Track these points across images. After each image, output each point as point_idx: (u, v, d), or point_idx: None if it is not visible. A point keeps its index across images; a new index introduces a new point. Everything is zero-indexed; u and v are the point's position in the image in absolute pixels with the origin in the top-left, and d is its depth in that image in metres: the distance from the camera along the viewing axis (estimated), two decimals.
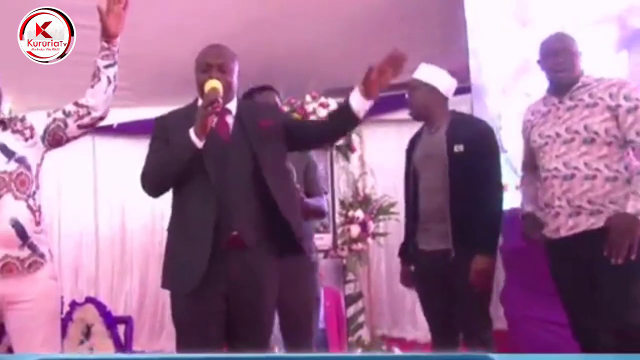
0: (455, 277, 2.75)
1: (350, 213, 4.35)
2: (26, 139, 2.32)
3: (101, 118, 2.41)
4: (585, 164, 2.53)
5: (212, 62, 2.33)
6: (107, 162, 5.17)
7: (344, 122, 2.38)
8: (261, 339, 2.37)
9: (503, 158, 4.08)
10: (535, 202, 2.76)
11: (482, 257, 2.71)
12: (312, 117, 4.49)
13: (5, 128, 2.32)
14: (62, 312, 2.85)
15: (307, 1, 4.08)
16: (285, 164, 2.48)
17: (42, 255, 2.30)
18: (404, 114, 3.19)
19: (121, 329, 3.56)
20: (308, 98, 4.67)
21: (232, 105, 2.39)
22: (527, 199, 2.81)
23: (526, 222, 2.76)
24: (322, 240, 3.22)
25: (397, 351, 4.25)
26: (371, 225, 4.22)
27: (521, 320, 3.98)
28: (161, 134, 2.39)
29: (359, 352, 4.12)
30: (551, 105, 2.69)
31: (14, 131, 2.32)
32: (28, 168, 2.29)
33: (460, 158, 2.77)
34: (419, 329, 3.11)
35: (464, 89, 4.33)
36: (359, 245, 4.33)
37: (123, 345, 3.50)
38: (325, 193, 3.27)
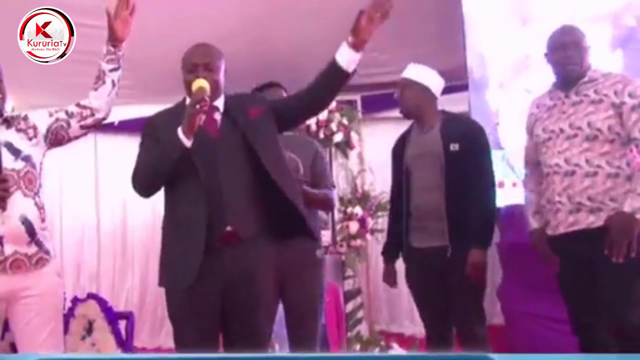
0: (450, 272, 2.79)
1: (349, 210, 4.38)
2: (30, 138, 2.35)
3: (103, 119, 2.45)
4: (587, 161, 2.52)
5: (198, 62, 2.34)
6: (109, 159, 5.18)
7: (333, 79, 2.33)
8: (256, 335, 2.36)
9: (500, 155, 4.14)
10: (540, 213, 2.70)
11: (477, 251, 2.76)
12: None
13: (9, 126, 2.34)
14: (64, 308, 2.88)
15: None
16: (280, 149, 2.46)
17: (47, 252, 2.33)
18: None
19: (122, 324, 3.59)
20: None
21: (220, 103, 2.40)
22: (531, 209, 2.76)
23: (534, 239, 2.72)
24: (322, 237, 3.22)
25: (395, 346, 4.28)
26: (370, 222, 4.24)
27: (518, 315, 4.01)
28: (151, 133, 2.40)
29: (357, 347, 4.14)
30: (557, 100, 2.67)
31: (18, 130, 2.34)
32: (33, 166, 2.32)
33: (455, 156, 2.81)
34: (417, 324, 3.13)
35: (461, 86, 4.37)
36: (358, 242, 4.35)
37: (124, 341, 3.53)
38: (334, 187, 3.21)
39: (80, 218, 5.30)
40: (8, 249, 2.23)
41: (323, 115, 4.44)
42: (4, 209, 2.20)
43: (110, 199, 5.21)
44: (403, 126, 3.18)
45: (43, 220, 2.33)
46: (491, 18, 4.35)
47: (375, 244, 4.52)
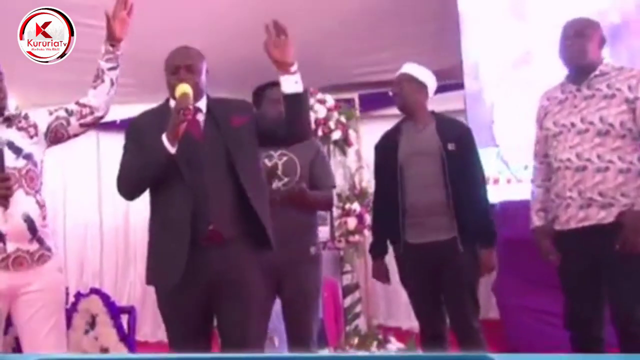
0: (448, 265, 2.84)
1: (347, 206, 4.40)
2: (31, 137, 2.39)
3: (102, 117, 2.50)
4: (598, 156, 2.49)
5: (180, 64, 2.36)
6: (111, 157, 5.22)
7: (293, 106, 2.36)
8: (248, 331, 2.38)
9: (495, 152, 4.18)
10: (545, 210, 2.70)
11: (486, 251, 2.85)
12: (310, 114, 4.54)
13: (10, 125, 2.38)
14: (67, 303, 2.93)
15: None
16: (258, 160, 2.51)
17: (48, 249, 2.37)
18: None
19: (125, 318, 3.62)
20: None
21: (202, 104, 2.42)
22: (535, 206, 2.74)
23: (536, 237, 2.71)
24: (320, 233, 3.25)
25: (393, 340, 4.32)
26: (367, 218, 4.26)
27: (513, 310, 4.06)
28: (135, 137, 2.41)
29: (355, 341, 4.18)
30: (568, 93, 2.63)
31: (19, 128, 2.38)
32: (35, 164, 2.37)
33: (453, 155, 2.87)
34: (413, 319, 3.15)
35: (457, 84, 4.42)
36: (356, 237, 4.37)
37: (127, 335, 3.57)
38: (333, 187, 3.21)
39: (83, 216, 5.36)
40: (10, 247, 2.28)
41: (321, 113, 4.48)
42: (6, 207, 2.24)
43: (112, 196, 5.23)
44: None
45: (44, 217, 2.37)
46: (487, 16, 4.39)
47: None
